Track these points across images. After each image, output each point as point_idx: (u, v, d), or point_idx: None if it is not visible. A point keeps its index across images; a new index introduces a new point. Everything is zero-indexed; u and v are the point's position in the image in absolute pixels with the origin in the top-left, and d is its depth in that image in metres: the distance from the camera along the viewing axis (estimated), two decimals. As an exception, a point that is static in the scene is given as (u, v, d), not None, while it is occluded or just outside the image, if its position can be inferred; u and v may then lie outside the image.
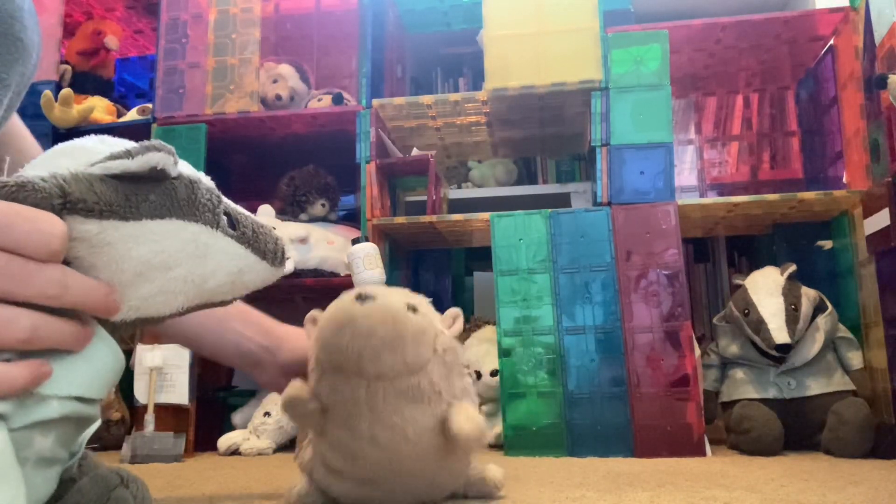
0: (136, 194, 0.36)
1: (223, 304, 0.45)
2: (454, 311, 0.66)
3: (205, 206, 0.40)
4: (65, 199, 0.34)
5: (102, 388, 0.36)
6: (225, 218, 0.42)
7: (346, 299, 0.57)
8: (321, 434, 0.62)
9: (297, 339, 0.69)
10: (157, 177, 0.38)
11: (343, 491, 0.64)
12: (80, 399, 0.35)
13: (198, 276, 0.39)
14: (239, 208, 0.45)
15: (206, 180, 0.43)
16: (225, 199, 0.44)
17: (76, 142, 0.39)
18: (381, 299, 0.57)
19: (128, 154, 0.36)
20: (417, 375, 0.59)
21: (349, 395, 0.58)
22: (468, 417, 0.59)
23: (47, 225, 0.33)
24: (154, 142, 0.37)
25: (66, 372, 0.34)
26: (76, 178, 0.35)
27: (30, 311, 0.32)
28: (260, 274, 0.45)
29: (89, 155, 0.37)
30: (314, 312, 0.65)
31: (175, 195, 0.38)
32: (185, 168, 0.41)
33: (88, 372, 0.35)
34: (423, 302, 0.63)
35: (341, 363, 0.58)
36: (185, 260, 0.38)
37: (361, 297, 0.56)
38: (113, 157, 0.36)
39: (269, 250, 0.46)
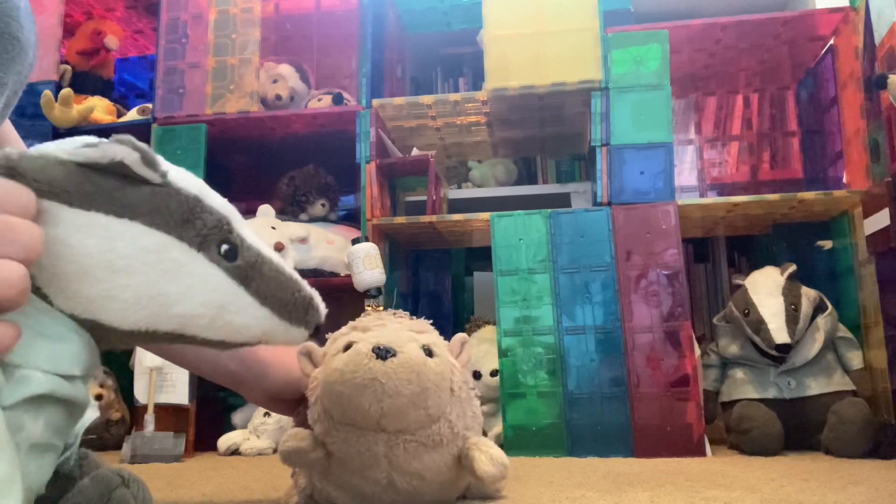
0: (97, 185, 0.36)
1: (211, 344, 0.40)
2: (461, 338, 0.65)
3: (190, 222, 0.37)
4: (6, 168, 0.33)
5: (77, 365, 0.36)
6: (224, 246, 0.39)
7: (362, 353, 0.55)
8: (325, 475, 0.61)
9: (282, 362, 0.65)
10: (128, 174, 0.36)
11: None
12: (62, 376, 0.35)
13: (161, 294, 0.37)
14: (262, 248, 0.41)
15: (215, 203, 0.40)
16: (242, 232, 0.40)
17: (83, 137, 0.38)
18: (402, 354, 0.55)
19: (97, 145, 0.36)
20: (438, 423, 0.58)
21: (365, 448, 0.57)
22: (492, 460, 0.59)
23: (23, 192, 0.33)
24: (125, 137, 0.36)
25: (38, 349, 0.34)
26: (36, 156, 0.35)
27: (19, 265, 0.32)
28: (260, 322, 0.40)
29: (74, 144, 0.37)
30: (309, 345, 0.61)
31: (151, 201, 0.37)
32: (184, 182, 0.39)
33: (59, 349, 0.35)
34: (434, 338, 0.61)
35: (359, 421, 0.56)
36: (141, 269, 0.36)
37: (381, 353, 0.54)
38: (85, 145, 0.36)
39: (277, 298, 0.40)
